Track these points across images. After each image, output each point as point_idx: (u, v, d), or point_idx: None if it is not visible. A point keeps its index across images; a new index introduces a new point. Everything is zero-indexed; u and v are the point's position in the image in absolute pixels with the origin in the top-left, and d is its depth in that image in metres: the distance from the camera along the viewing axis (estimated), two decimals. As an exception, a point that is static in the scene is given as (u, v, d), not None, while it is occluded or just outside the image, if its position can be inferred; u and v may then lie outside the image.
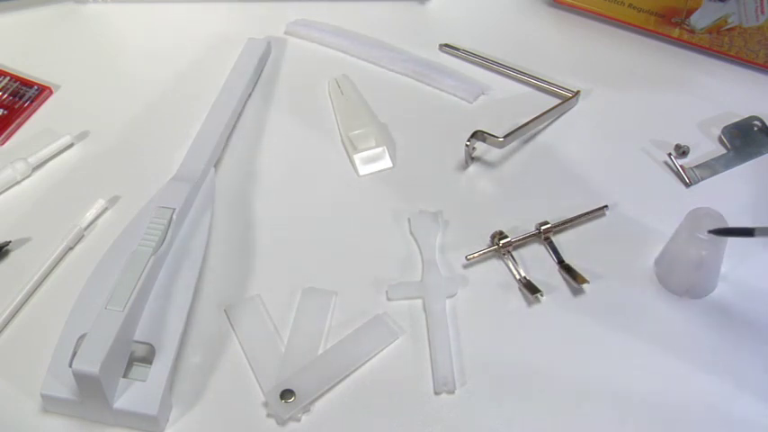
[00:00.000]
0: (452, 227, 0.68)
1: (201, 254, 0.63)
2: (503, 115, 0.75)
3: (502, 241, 0.65)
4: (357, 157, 0.72)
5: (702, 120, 0.75)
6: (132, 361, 0.57)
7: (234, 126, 0.74)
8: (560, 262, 0.65)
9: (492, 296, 0.64)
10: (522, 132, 0.73)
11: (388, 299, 0.63)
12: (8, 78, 0.78)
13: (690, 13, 0.78)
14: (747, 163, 0.72)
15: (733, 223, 0.60)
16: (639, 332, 0.61)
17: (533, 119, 0.74)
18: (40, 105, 0.77)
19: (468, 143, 0.70)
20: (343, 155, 0.73)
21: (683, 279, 0.63)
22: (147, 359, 0.57)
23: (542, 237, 0.66)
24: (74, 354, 0.56)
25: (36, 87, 0.77)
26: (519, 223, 0.67)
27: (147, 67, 0.80)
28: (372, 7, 0.86)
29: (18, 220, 0.68)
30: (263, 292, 0.63)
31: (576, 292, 0.64)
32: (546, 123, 0.75)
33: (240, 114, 0.76)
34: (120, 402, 0.55)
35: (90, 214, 0.67)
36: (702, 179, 0.71)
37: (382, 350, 0.61)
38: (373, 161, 0.72)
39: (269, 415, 0.57)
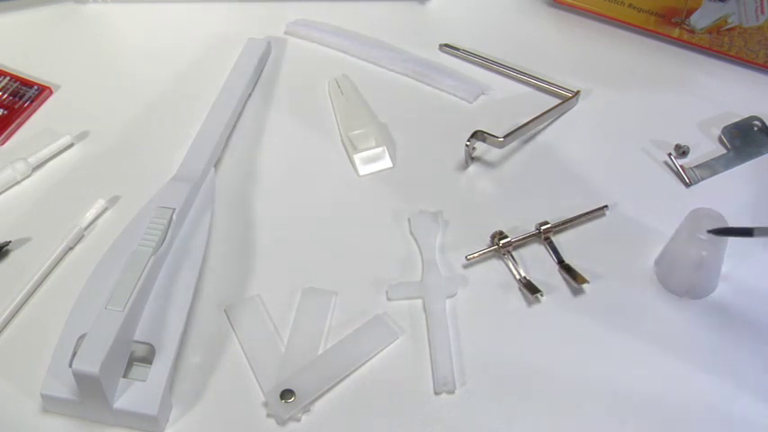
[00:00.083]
0: (452, 227, 0.68)
1: (201, 254, 0.63)
2: (503, 115, 0.75)
3: (502, 241, 0.65)
4: (357, 157, 0.72)
5: (702, 120, 0.75)
6: (132, 361, 0.57)
7: (234, 126, 0.74)
8: (560, 262, 0.65)
9: (492, 296, 0.64)
10: (522, 132, 0.73)
11: (388, 299, 0.63)
12: (8, 78, 0.78)
13: (690, 13, 0.78)
14: (747, 163, 0.72)
15: (733, 223, 0.60)
16: (639, 332, 0.61)
17: (533, 119, 0.74)
18: (40, 105, 0.77)
19: (468, 143, 0.70)
20: (343, 155, 0.73)
21: (683, 279, 0.63)
22: (147, 359, 0.57)
23: (542, 237, 0.66)
24: (74, 354, 0.56)
25: (36, 87, 0.77)
26: (519, 223, 0.67)
27: (147, 67, 0.80)
28: (372, 7, 0.86)
29: (18, 220, 0.68)
30: (263, 292, 0.63)
31: (576, 292, 0.64)
32: (546, 123, 0.75)
33: (240, 114, 0.76)
34: (120, 402, 0.55)
35: (90, 214, 0.67)
36: (702, 179, 0.71)
37: (382, 350, 0.60)
38: (373, 161, 0.72)
39: (269, 415, 0.57)
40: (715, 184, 0.71)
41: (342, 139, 0.74)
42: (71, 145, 0.73)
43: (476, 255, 0.65)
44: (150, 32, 0.84)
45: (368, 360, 0.60)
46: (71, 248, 0.66)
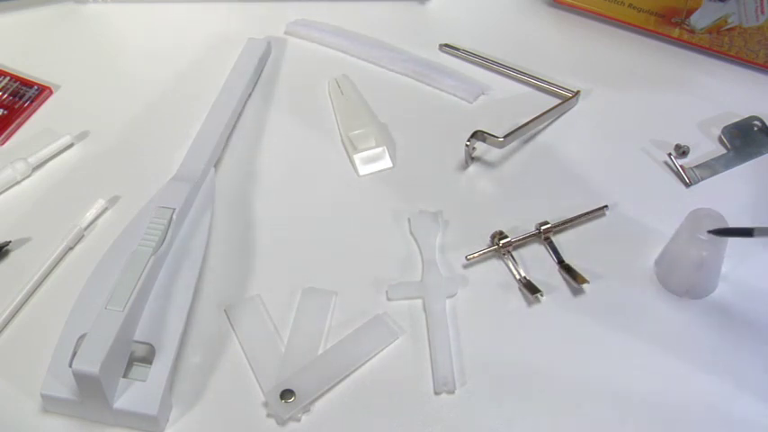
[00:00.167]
0: (452, 227, 0.68)
1: (201, 254, 0.63)
2: (503, 115, 0.75)
3: (502, 241, 0.65)
4: (357, 157, 0.72)
5: (702, 120, 0.75)
6: (132, 361, 0.57)
7: (234, 126, 0.74)
8: (560, 262, 0.65)
9: (492, 296, 0.64)
10: (522, 132, 0.73)
11: (388, 299, 0.63)
12: (8, 78, 0.78)
13: (690, 13, 0.78)
14: (747, 163, 0.72)
15: (733, 223, 0.60)
16: (639, 332, 0.61)
17: (533, 119, 0.74)
18: (40, 105, 0.77)
19: (468, 143, 0.70)
20: (343, 155, 0.73)
21: (683, 279, 0.63)
22: (147, 359, 0.57)
23: (542, 237, 0.66)
24: (74, 354, 0.56)
25: (36, 87, 0.77)
26: (519, 223, 0.67)
27: (147, 67, 0.80)
28: (372, 7, 0.86)
29: (18, 220, 0.68)
30: (263, 292, 0.63)
31: (576, 292, 0.64)
32: (546, 123, 0.75)
33: (240, 114, 0.76)
34: (120, 402, 0.55)
35: (90, 214, 0.67)
36: (702, 179, 0.71)
37: (382, 350, 0.60)
38: (373, 161, 0.72)
39: (269, 415, 0.57)
40: (715, 184, 0.71)
41: (342, 139, 0.74)
42: (71, 145, 0.73)
43: (476, 255, 0.65)
44: (150, 32, 0.84)
45: (368, 360, 0.60)
46: (71, 248, 0.66)
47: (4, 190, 0.70)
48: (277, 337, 0.61)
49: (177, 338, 0.57)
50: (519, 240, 0.66)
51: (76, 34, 0.84)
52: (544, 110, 0.75)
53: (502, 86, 0.79)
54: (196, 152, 0.69)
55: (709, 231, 0.60)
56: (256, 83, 0.79)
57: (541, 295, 0.63)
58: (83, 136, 0.74)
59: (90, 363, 0.52)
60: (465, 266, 0.65)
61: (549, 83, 0.78)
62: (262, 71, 0.80)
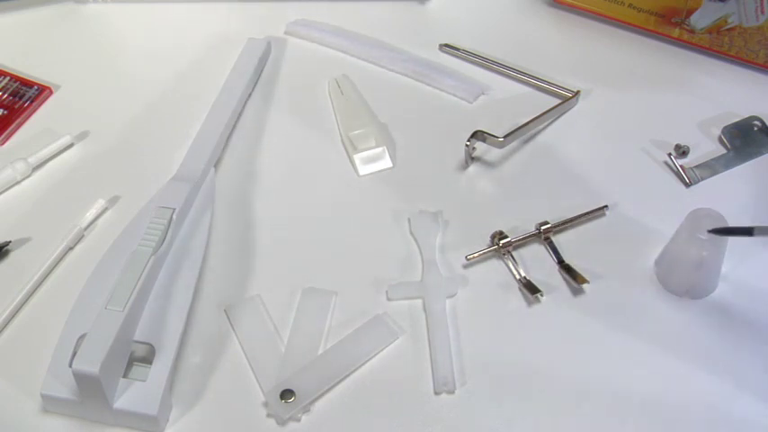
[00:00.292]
0: (452, 227, 0.68)
1: (201, 254, 0.63)
2: (503, 115, 0.75)
3: (502, 241, 0.65)
4: (357, 157, 0.72)
5: (702, 120, 0.75)
6: (132, 361, 0.57)
7: (234, 126, 0.74)
8: (560, 262, 0.65)
9: (492, 296, 0.64)
10: (522, 132, 0.73)
11: (388, 299, 0.63)
12: (8, 78, 0.78)
13: (690, 13, 0.78)
14: (747, 163, 0.72)
15: (733, 223, 0.60)
16: (639, 332, 0.61)
17: (533, 119, 0.74)
18: (40, 105, 0.77)
19: (468, 143, 0.70)
20: (343, 155, 0.73)
21: (683, 279, 0.63)
22: (147, 359, 0.57)
23: (542, 237, 0.66)
24: (74, 354, 0.56)
25: (36, 87, 0.77)
26: (519, 223, 0.67)
27: (147, 67, 0.80)
28: (372, 7, 0.86)
29: (18, 220, 0.68)
30: (263, 292, 0.63)
31: (576, 292, 0.64)
32: (546, 123, 0.75)
33: (240, 114, 0.76)
34: (120, 402, 0.55)
35: (90, 214, 0.67)
36: (702, 179, 0.71)
37: (382, 350, 0.60)
38: (373, 161, 0.72)
39: (269, 415, 0.57)
40: (715, 184, 0.71)
41: (342, 139, 0.74)
42: (71, 145, 0.73)
43: (476, 255, 0.65)
44: (150, 32, 0.84)
45: (368, 360, 0.60)
46: (71, 248, 0.66)
47: (4, 190, 0.70)
48: (277, 337, 0.61)
49: (177, 338, 0.57)
50: (519, 240, 0.66)
51: (76, 34, 0.84)
52: (544, 110, 0.75)
53: (502, 86, 0.79)
54: (196, 152, 0.69)
55: (710, 231, 0.60)
56: (256, 83, 0.79)
57: (541, 295, 0.63)
58: (83, 136, 0.74)
59: (90, 363, 0.52)
60: (465, 266, 0.65)
61: (548, 83, 0.78)
62: (262, 71, 0.80)
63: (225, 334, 0.61)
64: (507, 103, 0.77)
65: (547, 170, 0.72)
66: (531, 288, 0.63)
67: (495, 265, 0.66)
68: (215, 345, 0.61)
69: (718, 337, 0.61)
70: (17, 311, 0.62)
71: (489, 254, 0.66)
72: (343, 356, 0.60)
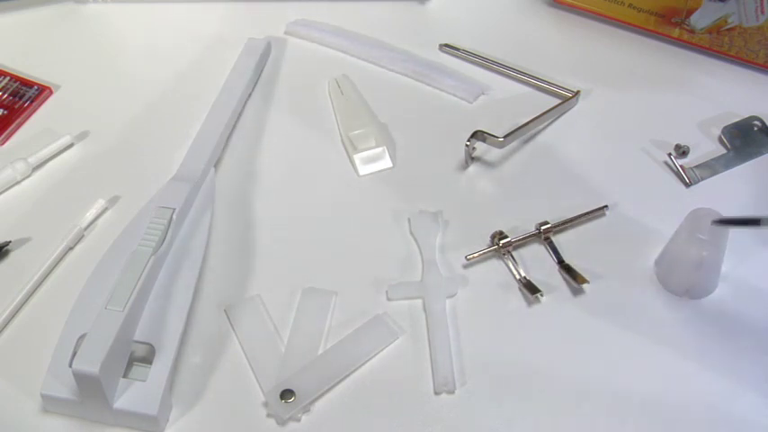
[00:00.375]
0: (452, 227, 0.68)
1: (201, 254, 0.63)
2: (503, 115, 0.75)
3: (502, 241, 0.65)
4: (357, 157, 0.72)
5: (702, 120, 0.75)
6: (132, 361, 0.57)
7: (234, 126, 0.74)
8: (560, 262, 0.65)
9: (492, 296, 0.64)
10: (522, 132, 0.73)
11: (388, 299, 0.63)
12: (8, 78, 0.78)
13: (690, 13, 0.78)
14: (747, 163, 0.72)
15: (733, 223, 0.60)
16: (639, 332, 0.61)
17: (533, 119, 0.74)
18: (40, 105, 0.77)
19: (468, 143, 0.70)
20: (343, 155, 0.73)
21: (683, 279, 0.63)
22: (147, 359, 0.57)
23: (542, 237, 0.66)
24: (74, 354, 0.56)
25: (36, 87, 0.77)
26: (519, 223, 0.67)
27: (147, 67, 0.80)
28: (372, 7, 0.86)
29: (18, 220, 0.68)
30: (263, 292, 0.63)
31: (576, 292, 0.64)
32: (546, 123, 0.75)
33: (240, 114, 0.76)
34: (120, 402, 0.55)
35: (90, 214, 0.67)
36: (702, 179, 0.71)
37: (382, 350, 0.60)
38: (373, 161, 0.72)
39: (269, 415, 0.57)
40: (715, 184, 0.71)
41: (342, 139, 0.74)
42: (71, 145, 0.73)
43: (476, 255, 0.65)
44: (150, 32, 0.84)
45: (368, 360, 0.60)
46: (71, 248, 0.66)
47: (4, 190, 0.70)
48: (277, 337, 0.61)
49: (177, 338, 0.57)
50: (519, 240, 0.66)
51: (76, 34, 0.84)
52: (544, 110, 0.75)
53: (502, 86, 0.79)
54: (196, 152, 0.69)
55: (715, 221, 0.59)
56: (256, 83, 0.79)
57: (541, 295, 0.63)
58: (83, 136, 0.74)
59: (90, 363, 0.52)
60: (465, 266, 0.65)
61: (548, 83, 0.78)
62: (262, 71, 0.80)
63: (225, 334, 0.61)
64: (507, 103, 0.77)
65: (547, 170, 0.72)
66: (531, 288, 0.63)
67: (495, 265, 0.66)
68: (215, 345, 0.61)
69: (719, 336, 0.61)
70: (17, 311, 0.62)
71: (489, 254, 0.66)
72: (343, 356, 0.60)
